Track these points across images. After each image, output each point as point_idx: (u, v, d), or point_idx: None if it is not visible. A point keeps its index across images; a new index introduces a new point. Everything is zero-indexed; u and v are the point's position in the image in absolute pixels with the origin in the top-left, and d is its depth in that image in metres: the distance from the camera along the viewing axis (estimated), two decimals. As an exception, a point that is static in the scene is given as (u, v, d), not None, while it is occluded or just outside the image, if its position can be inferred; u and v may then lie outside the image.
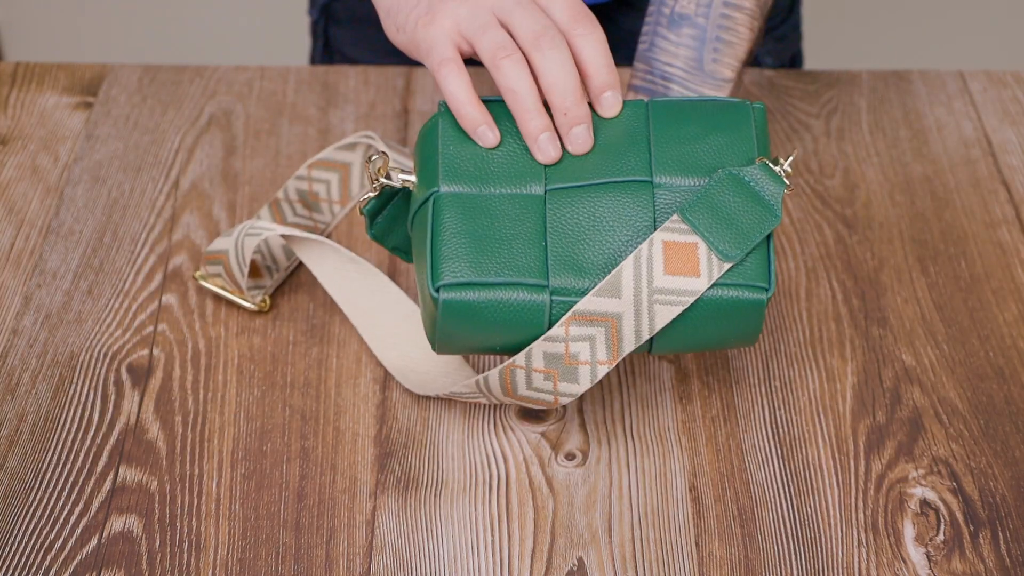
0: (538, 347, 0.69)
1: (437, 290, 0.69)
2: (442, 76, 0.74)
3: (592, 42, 0.74)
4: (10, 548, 0.71)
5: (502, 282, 0.69)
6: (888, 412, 0.79)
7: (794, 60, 1.17)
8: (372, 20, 1.13)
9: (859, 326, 0.84)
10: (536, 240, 0.70)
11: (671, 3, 0.83)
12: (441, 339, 0.71)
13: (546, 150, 0.72)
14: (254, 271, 0.85)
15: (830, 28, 1.93)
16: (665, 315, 0.69)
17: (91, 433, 0.77)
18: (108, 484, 0.74)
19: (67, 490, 0.74)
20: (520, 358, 0.70)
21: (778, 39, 1.12)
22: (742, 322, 0.71)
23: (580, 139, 0.73)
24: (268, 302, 0.84)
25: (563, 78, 0.72)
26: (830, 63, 1.22)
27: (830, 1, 1.96)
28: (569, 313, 0.69)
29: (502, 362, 0.79)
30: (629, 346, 0.69)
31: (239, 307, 0.83)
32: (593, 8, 1.04)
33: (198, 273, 0.84)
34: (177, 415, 0.78)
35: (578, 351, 0.70)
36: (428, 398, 0.79)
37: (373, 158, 0.72)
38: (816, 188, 0.93)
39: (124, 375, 0.80)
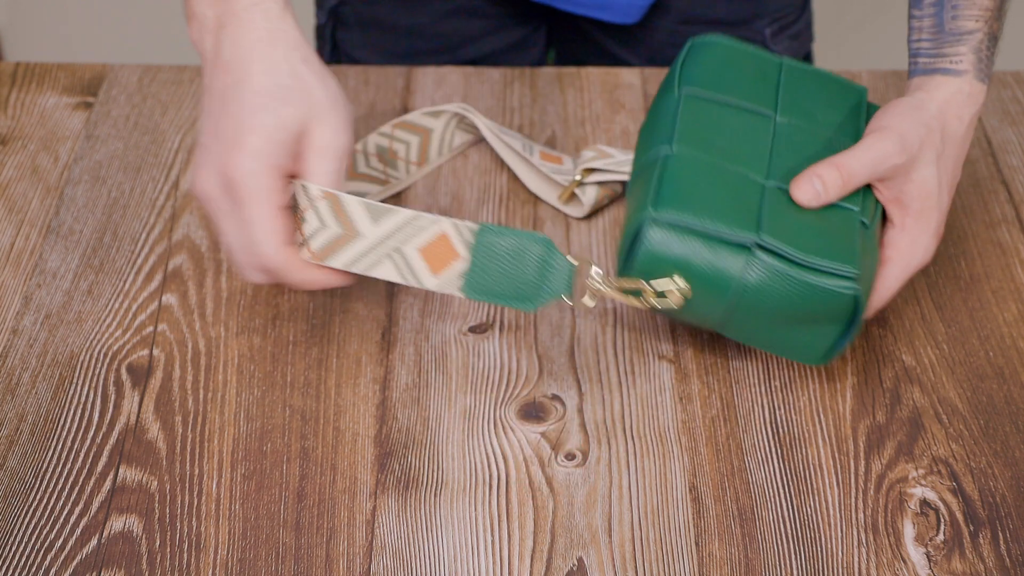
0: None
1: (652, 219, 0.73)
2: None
3: None
4: (10, 548, 0.71)
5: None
6: (888, 412, 0.79)
7: (806, 60, 1.17)
8: (380, 24, 1.12)
9: (859, 326, 0.84)
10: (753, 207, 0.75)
11: None
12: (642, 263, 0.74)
13: None
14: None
15: (830, 29, 1.93)
16: None
17: (91, 433, 0.77)
18: (108, 484, 0.74)
19: (67, 490, 0.74)
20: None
21: (793, 37, 1.12)
22: (819, 314, 0.74)
23: None
24: None
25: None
26: (833, 64, 1.22)
27: (830, 2, 1.96)
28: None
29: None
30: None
31: (238, 308, 0.84)
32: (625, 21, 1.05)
33: None
34: (177, 415, 0.78)
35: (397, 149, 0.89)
36: (428, 398, 0.79)
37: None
38: (816, 188, 0.93)
39: (124, 375, 0.80)
